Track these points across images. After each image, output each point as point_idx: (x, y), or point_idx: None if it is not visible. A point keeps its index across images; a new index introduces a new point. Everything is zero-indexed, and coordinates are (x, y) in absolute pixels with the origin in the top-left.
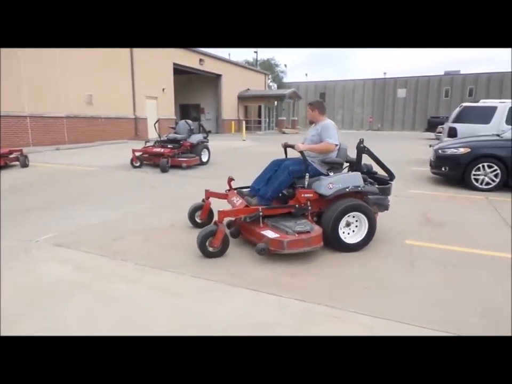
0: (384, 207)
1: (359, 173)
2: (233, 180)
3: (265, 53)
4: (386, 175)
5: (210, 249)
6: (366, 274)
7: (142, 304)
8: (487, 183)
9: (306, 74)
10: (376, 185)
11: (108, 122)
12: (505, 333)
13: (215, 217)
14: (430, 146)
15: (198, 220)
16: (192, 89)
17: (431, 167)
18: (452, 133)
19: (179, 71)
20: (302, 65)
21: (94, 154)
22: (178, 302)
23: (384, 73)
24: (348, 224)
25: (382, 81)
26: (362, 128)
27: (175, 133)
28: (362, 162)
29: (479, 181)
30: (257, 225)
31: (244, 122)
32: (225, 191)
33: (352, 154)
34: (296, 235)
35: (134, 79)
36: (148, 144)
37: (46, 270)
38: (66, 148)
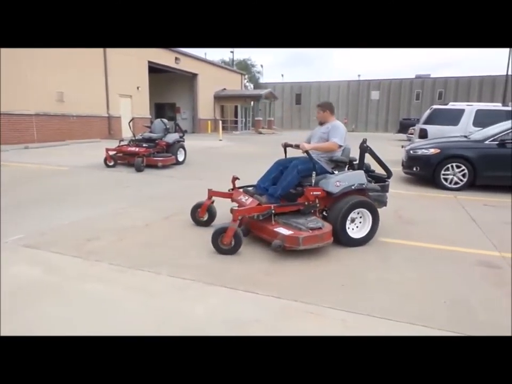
0: (383, 203)
1: (363, 171)
2: (238, 179)
3: (241, 53)
4: (384, 173)
5: (222, 246)
6: (342, 271)
7: (118, 305)
8: (456, 183)
9: (282, 75)
10: (374, 183)
11: (80, 120)
12: (470, 325)
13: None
14: (402, 147)
15: (198, 218)
16: (168, 88)
17: (403, 167)
18: (423, 134)
19: (154, 69)
20: (278, 66)
21: (66, 153)
22: (154, 301)
23: (359, 75)
24: (353, 220)
25: (356, 83)
26: None
27: (150, 132)
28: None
29: (448, 181)
30: (269, 222)
31: (220, 122)
32: (228, 190)
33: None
34: (310, 231)
35: (107, 77)
36: (122, 143)
37: (15, 271)
38: (36, 147)
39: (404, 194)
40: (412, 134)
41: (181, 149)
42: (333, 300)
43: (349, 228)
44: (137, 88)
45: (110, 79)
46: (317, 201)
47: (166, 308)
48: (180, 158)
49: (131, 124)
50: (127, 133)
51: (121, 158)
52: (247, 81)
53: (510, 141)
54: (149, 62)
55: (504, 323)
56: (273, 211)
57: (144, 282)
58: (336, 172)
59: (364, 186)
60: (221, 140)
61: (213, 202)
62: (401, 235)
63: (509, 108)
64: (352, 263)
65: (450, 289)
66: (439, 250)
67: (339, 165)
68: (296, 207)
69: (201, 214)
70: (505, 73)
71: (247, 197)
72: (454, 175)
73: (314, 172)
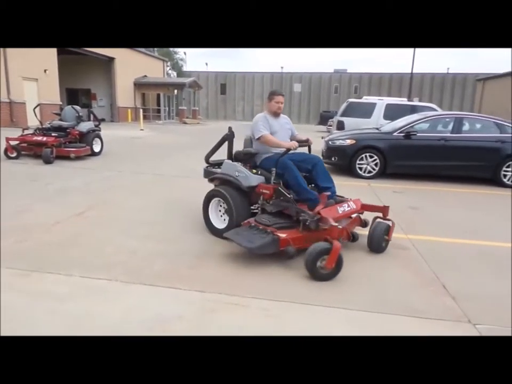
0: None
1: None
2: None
3: None
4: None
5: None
6: (267, 259)
7: (20, 313)
8: (369, 171)
9: (206, 64)
10: None
11: None
12: (382, 304)
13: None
14: (322, 138)
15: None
16: (82, 73)
17: (322, 157)
18: (340, 126)
19: (64, 50)
20: (202, 54)
21: None
22: (64, 306)
23: (282, 67)
24: None
25: (279, 75)
26: None
27: (60, 119)
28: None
29: (363, 169)
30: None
31: (141, 110)
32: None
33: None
34: None
35: (6, 57)
36: (27, 132)
37: None
38: None
39: None
40: (331, 125)
41: (96, 139)
42: (257, 289)
43: None
44: (45, 71)
45: (10, 59)
46: None
47: (77, 312)
48: (96, 149)
49: (37, 110)
50: (34, 121)
51: (26, 149)
52: (170, 69)
53: (414, 133)
54: None
55: (409, 301)
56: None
57: (51, 286)
58: None
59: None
60: (142, 130)
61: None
62: None
63: (413, 103)
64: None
65: (367, 272)
66: (360, 236)
67: None
68: None
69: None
70: (410, 72)
71: (344, 205)
72: (367, 164)
73: None
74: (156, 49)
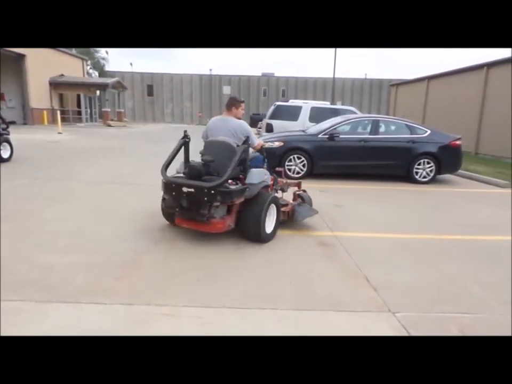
0: None
1: None
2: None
3: None
4: None
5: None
6: (197, 265)
7: None
8: (298, 172)
9: (131, 64)
10: None
11: None
12: (311, 301)
13: None
14: None
15: None
16: None
17: None
18: (269, 128)
19: None
20: (125, 53)
21: None
22: None
23: (210, 69)
24: None
25: (208, 77)
26: (192, 123)
27: None
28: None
29: (291, 171)
30: None
31: (58, 112)
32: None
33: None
34: None
35: None
36: None
37: None
38: None
39: None
40: (260, 128)
41: (4, 143)
42: (189, 297)
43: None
44: None
45: None
46: None
47: None
48: (4, 155)
49: None
50: None
51: None
52: (91, 68)
53: (337, 135)
54: None
55: (337, 296)
56: None
57: None
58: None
59: None
60: (60, 133)
61: None
62: None
63: (336, 106)
64: (208, 256)
65: (295, 270)
66: (287, 236)
67: None
68: None
69: None
70: (332, 76)
71: None
72: (296, 165)
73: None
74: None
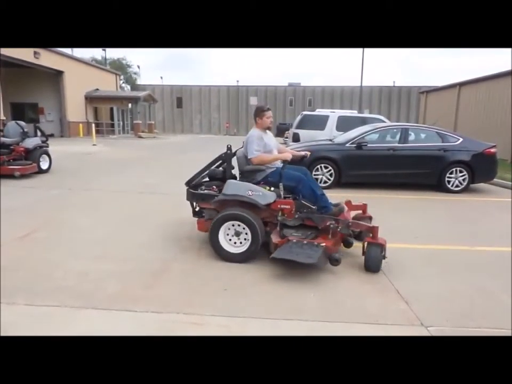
0: None
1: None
2: None
3: (115, 52)
4: None
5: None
6: (223, 275)
7: None
8: (325, 182)
9: (161, 77)
10: None
11: None
12: (348, 311)
13: None
14: None
15: None
16: (28, 86)
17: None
18: (296, 138)
19: (8, 63)
20: (156, 67)
21: None
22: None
23: (237, 81)
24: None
25: (235, 88)
26: (220, 133)
27: (3, 136)
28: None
29: (319, 180)
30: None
31: (93, 125)
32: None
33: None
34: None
35: None
36: None
37: None
38: None
39: None
40: (287, 137)
41: (44, 155)
42: (215, 306)
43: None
44: None
45: None
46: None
47: None
48: (44, 166)
49: None
50: None
51: None
52: (123, 82)
53: (365, 144)
54: None
55: (366, 308)
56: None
57: None
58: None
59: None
60: (95, 145)
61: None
62: None
63: (364, 115)
64: (233, 265)
65: (317, 281)
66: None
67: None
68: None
69: None
70: (359, 85)
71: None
72: (323, 175)
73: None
74: (108, 62)
